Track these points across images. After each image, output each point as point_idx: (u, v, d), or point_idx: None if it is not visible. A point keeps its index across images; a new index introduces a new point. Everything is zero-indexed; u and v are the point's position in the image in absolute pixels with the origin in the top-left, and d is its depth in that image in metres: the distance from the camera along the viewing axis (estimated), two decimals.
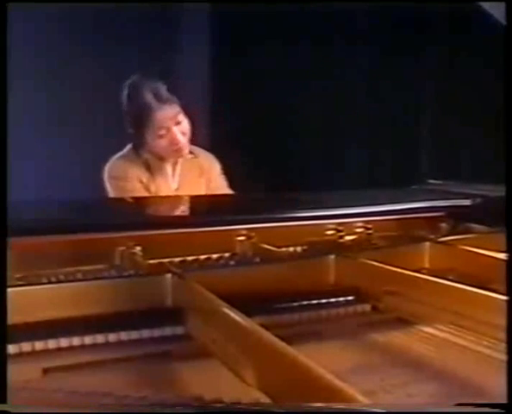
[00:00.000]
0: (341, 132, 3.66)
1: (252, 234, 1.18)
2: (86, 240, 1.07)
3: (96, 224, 1.14)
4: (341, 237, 1.25)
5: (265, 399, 0.63)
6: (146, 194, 1.92)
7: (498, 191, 1.14)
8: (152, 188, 1.94)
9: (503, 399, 0.57)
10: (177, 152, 1.93)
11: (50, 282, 0.94)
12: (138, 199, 1.84)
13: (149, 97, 1.87)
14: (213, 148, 2.82)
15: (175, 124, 1.89)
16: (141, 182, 1.93)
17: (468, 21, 2.80)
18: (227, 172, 2.13)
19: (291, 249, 1.21)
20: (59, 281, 0.95)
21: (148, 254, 1.07)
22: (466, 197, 1.50)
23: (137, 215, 1.50)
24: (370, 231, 1.28)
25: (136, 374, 0.76)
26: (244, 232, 1.18)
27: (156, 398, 0.67)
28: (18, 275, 0.97)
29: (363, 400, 0.53)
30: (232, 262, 1.14)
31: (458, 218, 1.38)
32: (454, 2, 2.87)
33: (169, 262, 1.08)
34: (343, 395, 0.54)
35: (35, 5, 2.96)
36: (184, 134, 1.91)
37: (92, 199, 1.88)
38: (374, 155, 3.72)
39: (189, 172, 2.00)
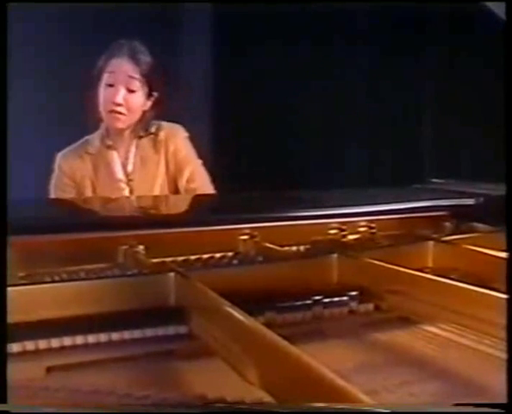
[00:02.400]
0: (341, 132, 3.65)
1: (256, 233, 1.18)
2: (89, 239, 1.07)
3: (99, 223, 1.14)
4: (344, 236, 1.25)
5: (268, 399, 0.63)
6: (81, 190, 1.82)
7: (500, 189, 1.14)
8: (90, 181, 1.83)
9: (505, 398, 0.58)
10: (111, 117, 1.78)
11: (53, 281, 0.94)
12: (140, 198, 1.83)
13: (124, 47, 1.80)
14: (213, 148, 2.82)
15: (126, 86, 1.76)
16: (74, 180, 1.84)
17: (468, 21, 2.80)
18: (227, 172, 2.12)
19: (294, 248, 1.21)
20: (62, 280, 0.95)
21: (151, 252, 1.07)
22: (469, 196, 1.50)
23: (140, 213, 1.50)
24: (373, 230, 1.28)
25: (139, 373, 0.76)
26: (247, 231, 1.18)
27: (159, 397, 0.67)
28: (22, 274, 0.97)
29: (366, 400, 0.53)
30: (235, 261, 1.13)
31: (461, 217, 1.38)
32: (454, 2, 2.87)
33: (172, 261, 1.08)
34: (346, 394, 0.54)
35: (35, 5, 2.96)
36: (128, 105, 1.78)
37: (93, 198, 1.88)
38: (374, 155, 3.72)
39: (145, 152, 1.86)
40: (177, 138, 1.89)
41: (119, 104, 1.77)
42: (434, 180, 1.96)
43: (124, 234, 1.09)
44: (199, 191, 1.90)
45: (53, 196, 1.86)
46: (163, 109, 1.92)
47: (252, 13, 3.10)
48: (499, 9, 1.58)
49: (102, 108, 1.81)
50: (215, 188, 2.01)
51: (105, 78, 1.77)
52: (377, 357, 0.84)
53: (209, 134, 3.33)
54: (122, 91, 1.76)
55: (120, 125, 1.81)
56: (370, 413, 0.54)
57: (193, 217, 1.38)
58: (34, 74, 3.27)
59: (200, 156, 2.06)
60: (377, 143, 3.70)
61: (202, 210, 1.62)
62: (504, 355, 0.72)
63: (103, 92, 1.79)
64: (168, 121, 1.95)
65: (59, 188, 1.87)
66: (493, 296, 0.80)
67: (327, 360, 0.60)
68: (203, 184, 1.94)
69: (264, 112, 3.41)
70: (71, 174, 1.85)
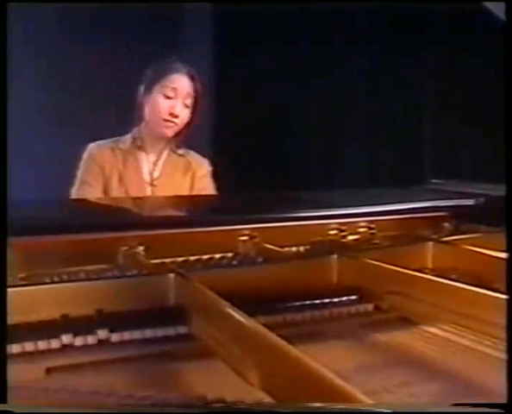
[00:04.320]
0: (341, 132, 3.65)
1: (255, 233, 1.18)
2: (89, 239, 1.07)
3: (99, 224, 1.14)
4: (344, 237, 1.25)
5: (268, 399, 0.63)
6: (108, 181, 1.92)
7: (500, 190, 1.14)
8: (118, 174, 1.93)
9: (505, 398, 0.58)
10: (164, 126, 1.93)
11: (53, 282, 0.94)
12: (141, 198, 1.84)
13: (180, 66, 1.96)
14: (213, 148, 2.82)
15: (183, 100, 1.92)
16: (102, 168, 1.93)
17: (468, 21, 2.80)
18: (227, 172, 2.12)
19: (294, 249, 1.21)
20: (62, 281, 0.95)
21: (151, 253, 1.07)
22: (469, 196, 1.50)
23: (140, 214, 1.50)
24: (373, 231, 1.28)
25: (139, 374, 0.76)
26: (247, 232, 1.18)
27: (159, 397, 0.67)
28: (22, 275, 0.97)
29: (365, 400, 0.53)
30: (235, 262, 1.14)
31: (460, 218, 1.38)
32: (454, 2, 2.87)
33: (172, 262, 1.08)
34: (346, 395, 0.54)
35: (35, 5, 2.96)
36: (181, 118, 1.93)
37: (93, 199, 1.88)
38: (374, 155, 3.72)
39: (174, 168, 2.01)
40: (202, 172, 2.05)
41: (176, 116, 1.92)
42: (434, 180, 1.96)
43: (124, 234, 1.09)
44: None
45: (79, 183, 1.94)
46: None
47: (252, 13, 3.10)
48: (499, 9, 1.58)
49: (155, 115, 1.94)
50: (216, 188, 2.06)
51: (165, 90, 1.92)
52: (376, 357, 0.84)
53: (209, 134, 3.33)
54: (180, 105, 1.92)
55: (169, 133, 1.96)
56: (370, 413, 0.54)
57: (193, 218, 1.38)
58: (34, 74, 3.27)
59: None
60: (377, 143, 3.70)
61: (201, 210, 1.62)
62: (504, 356, 0.72)
63: (160, 102, 1.92)
64: None
65: (88, 174, 1.94)
66: (493, 296, 0.80)
67: (326, 360, 0.60)
68: None
69: (264, 112, 3.41)
70: (101, 163, 1.94)
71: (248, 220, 1.21)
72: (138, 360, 0.79)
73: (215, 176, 2.06)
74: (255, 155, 3.33)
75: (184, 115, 1.94)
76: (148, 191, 1.96)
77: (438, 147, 3.49)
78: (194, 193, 2.01)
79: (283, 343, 0.64)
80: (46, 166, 3.27)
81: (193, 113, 1.97)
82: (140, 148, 1.98)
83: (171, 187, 1.98)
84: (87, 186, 1.92)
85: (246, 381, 0.66)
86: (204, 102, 2.01)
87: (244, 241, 1.18)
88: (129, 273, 1.01)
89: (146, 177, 1.97)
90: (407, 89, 3.54)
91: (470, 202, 1.47)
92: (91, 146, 1.98)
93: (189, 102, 1.94)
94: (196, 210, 1.63)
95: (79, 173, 1.96)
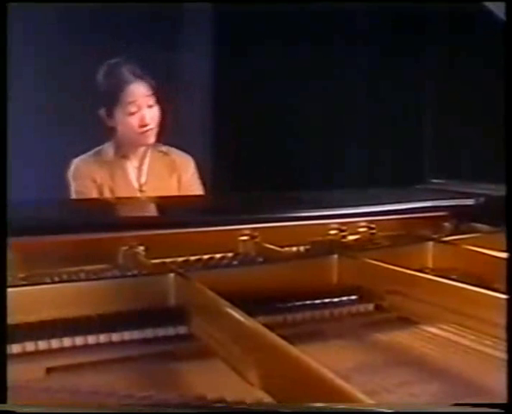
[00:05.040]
0: (341, 132, 3.65)
1: (256, 233, 1.18)
2: (89, 240, 1.07)
3: (99, 224, 1.14)
4: (344, 237, 1.25)
5: (268, 399, 0.63)
6: (101, 193, 1.92)
7: (500, 190, 1.14)
8: (108, 187, 1.93)
9: (505, 398, 0.58)
10: (144, 136, 1.92)
11: (53, 282, 0.94)
12: (140, 199, 1.84)
13: (125, 73, 1.91)
14: (213, 148, 2.82)
15: (147, 105, 1.90)
16: (94, 181, 1.93)
17: (468, 21, 2.80)
18: (227, 172, 2.12)
19: (294, 249, 1.21)
20: (62, 281, 0.95)
21: (151, 253, 1.07)
22: (469, 196, 1.50)
23: (140, 214, 1.50)
24: (373, 231, 1.28)
25: (139, 374, 0.76)
26: (247, 232, 1.18)
27: (159, 397, 0.67)
28: (22, 275, 0.97)
29: (366, 400, 0.53)
30: (235, 262, 1.14)
31: (461, 217, 1.38)
32: (454, 2, 2.87)
33: (172, 262, 1.08)
34: (346, 395, 0.54)
35: (35, 5, 2.96)
36: (153, 120, 1.92)
37: (93, 200, 1.88)
38: (374, 155, 3.71)
39: (159, 169, 2.00)
40: (188, 170, 2.04)
41: (147, 124, 1.91)
42: (434, 180, 1.96)
43: (124, 235, 1.09)
44: None
45: (76, 196, 1.95)
46: (169, 113, 2.02)
47: (252, 13, 3.09)
48: (499, 9, 1.58)
49: (128, 132, 1.93)
50: (215, 188, 2.06)
51: (126, 108, 1.90)
52: (377, 357, 0.84)
53: (209, 134, 3.33)
54: (146, 112, 1.91)
55: (151, 140, 1.95)
56: (370, 413, 0.54)
57: (193, 218, 1.38)
58: (34, 74, 3.27)
59: (200, 156, 2.07)
60: (377, 143, 3.70)
61: (202, 210, 1.62)
62: (504, 356, 0.72)
63: (128, 121, 1.91)
64: (169, 126, 2.02)
65: (84, 187, 1.95)
66: (493, 296, 0.80)
67: (327, 360, 0.60)
68: None
69: (264, 112, 3.41)
70: (92, 176, 1.94)
71: (248, 220, 1.21)
72: (138, 360, 0.79)
73: (216, 176, 2.05)
74: (255, 155, 3.32)
75: (154, 114, 1.92)
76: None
77: (438, 147, 3.48)
78: (182, 192, 2.00)
79: (283, 343, 0.64)
80: (46, 166, 3.27)
81: (160, 104, 1.94)
82: (124, 157, 1.97)
83: (159, 190, 1.97)
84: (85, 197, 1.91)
85: (246, 381, 0.67)
86: (159, 84, 1.97)
87: (244, 241, 1.18)
88: (129, 273, 1.01)
89: (135, 184, 1.97)
90: (407, 89, 3.53)
91: (470, 202, 1.47)
92: (76, 162, 1.97)
93: (151, 101, 1.91)
94: (196, 210, 1.63)
95: (73, 187, 1.95)
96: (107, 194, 1.93)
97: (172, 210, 1.68)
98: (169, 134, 2.05)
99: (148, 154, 1.99)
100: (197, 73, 3.52)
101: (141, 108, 1.90)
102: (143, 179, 1.98)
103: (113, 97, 1.91)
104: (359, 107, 3.67)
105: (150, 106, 1.91)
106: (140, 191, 1.97)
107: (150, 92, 1.91)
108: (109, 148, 1.98)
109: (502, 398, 0.60)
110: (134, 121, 1.90)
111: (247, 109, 3.32)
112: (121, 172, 1.96)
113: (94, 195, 1.92)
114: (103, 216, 1.35)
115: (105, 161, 1.96)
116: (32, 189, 2.91)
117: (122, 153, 1.98)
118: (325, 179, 3.52)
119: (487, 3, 1.88)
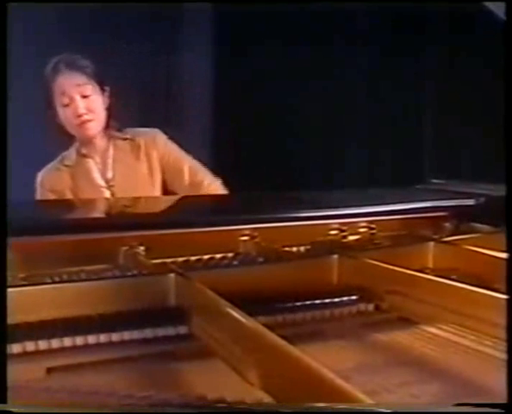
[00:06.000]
0: (341, 132, 3.65)
1: (256, 233, 1.18)
2: (89, 240, 1.07)
3: (99, 224, 1.14)
4: (345, 237, 1.25)
5: (268, 399, 0.63)
6: (65, 197, 1.87)
7: (500, 190, 1.14)
8: (71, 192, 1.89)
9: (505, 398, 0.58)
10: (82, 128, 1.84)
11: (54, 282, 0.94)
12: (141, 198, 1.83)
13: (60, 65, 1.84)
14: (213, 148, 2.81)
15: (80, 95, 1.82)
16: (53, 191, 1.89)
17: (468, 21, 2.79)
18: (227, 172, 2.12)
19: (295, 249, 1.21)
20: (62, 281, 0.95)
21: (152, 253, 1.07)
22: (470, 196, 1.50)
23: (140, 214, 1.50)
24: (373, 231, 1.28)
25: (139, 374, 0.76)
26: (247, 232, 1.18)
27: (159, 397, 0.67)
28: (22, 275, 0.97)
29: (366, 400, 0.53)
30: (235, 262, 1.13)
31: (461, 218, 1.38)
32: (454, 2, 2.87)
33: (172, 262, 1.08)
34: (346, 395, 0.54)
35: (35, 5, 2.96)
36: (90, 110, 1.84)
37: (93, 200, 1.88)
38: (374, 155, 3.71)
39: (124, 158, 1.92)
40: (158, 144, 1.95)
41: (82, 114, 1.83)
42: (434, 181, 1.96)
43: (124, 235, 1.09)
44: (205, 181, 1.96)
45: None
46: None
47: (252, 13, 3.09)
48: (499, 9, 1.58)
49: (69, 127, 1.88)
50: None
51: (60, 100, 1.84)
52: (377, 357, 0.84)
53: (209, 134, 3.33)
54: (80, 102, 1.83)
55: (92, 132, 1.87)
56: (370, 413, 0.54)
57: (193, 218, 1.38)
58: (34, 74, 3.26)
59: (200, 156, 2.07)
60: (377, 143, 3.70)
61: (202, 210, 1.62)
62: (504, 356, 0.72)
63: (63, 113, 1.85)
64: (167, 124, 1.99)
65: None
66: (493, 296, 0.80)
67: (327, 360, 0.60)
68: (205, 172, 1.99)
69: (264, 112, 3.41)
70: (51, 188, 1.91)
71: (249, 220, 1.21)
72: (138, 360, 0.79)
73: (216, 176, 2.04)
74: (255, 155, 3.32)
75: (92, 104, 1.84)
76: (107, 195, 1.89)
77: (438, 147, 3.48)
78: (163, 174, 1.92)
79: (283, 343, 0.64)
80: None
81: (103, 92, 1.88)
82: (86, 156, 1.91)
83: (128, 180, 1.90)
84: None
85: (246, 381, 0.66)
86: (103, 67, 1.92)
87: (244, 241, 1.18)
88: (130, 273, 1.01)
89: (101, 182, 1.90)
90: (407, 89, 3.53)
91: (470, 202, 1.47)
92: (40, 174, 1.94)
93: (86, 90, 1.83)
94: (196, 210, 1.63)
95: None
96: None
97: (172, 210, 1.68)
98: (169, 134, 2.05)
99: (111, 147, 1.92)
100: (197, 73, 3.52)
101: (74, 98, 1.82)
102: (110, 174, 1.90)
103: (51, 92, 1.86)
104: (358, 107, 3.67)
105: (85, 96, 1.83)
106: (109, 187, 1.90)
107: (84, 82, 1.83)
108: (71, 151, 1.93)
109: (502, 398, 0.60)
110: (68, 112, 1.83)
111: (247, 109, 3.32)
112: (84, 173, 1.90)
113: None
114: (103, 215, 1.35)
115: (67, 166, 1.91)
116: (32, 189, 2.91)
117: (82, 152, 1.91)
118: (325, 179, 3.52)
119: (487, 3, 1.88)
